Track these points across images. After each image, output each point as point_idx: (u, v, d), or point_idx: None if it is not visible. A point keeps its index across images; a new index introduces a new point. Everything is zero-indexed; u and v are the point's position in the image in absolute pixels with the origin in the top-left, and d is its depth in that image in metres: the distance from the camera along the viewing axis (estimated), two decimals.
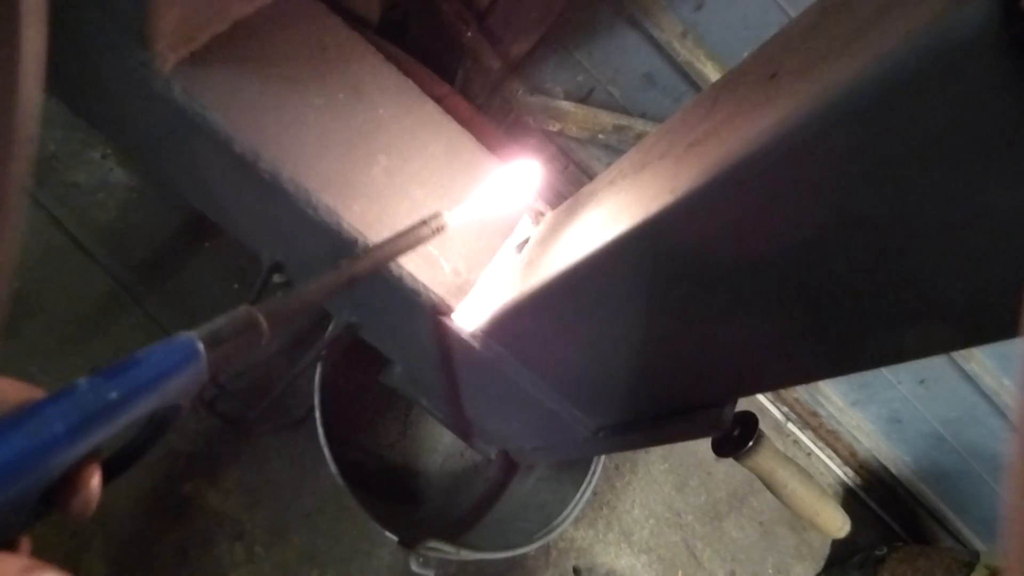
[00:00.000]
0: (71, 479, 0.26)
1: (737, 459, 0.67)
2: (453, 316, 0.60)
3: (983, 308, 0.33)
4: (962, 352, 1.21)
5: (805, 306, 0.38)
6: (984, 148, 0.26)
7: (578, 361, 0.57)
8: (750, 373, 0.46)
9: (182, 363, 0.28)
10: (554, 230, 0.60)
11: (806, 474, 0.69)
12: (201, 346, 0.28)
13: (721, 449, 0.68)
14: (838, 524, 0.70)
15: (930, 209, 0.29)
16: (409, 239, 0.47)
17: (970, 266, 0.31)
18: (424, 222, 0.48)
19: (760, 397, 1.64)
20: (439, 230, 0.49)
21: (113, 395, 0.25)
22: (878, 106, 0.26)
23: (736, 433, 0.67)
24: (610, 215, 0.45)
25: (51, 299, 0.98)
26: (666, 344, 0.47)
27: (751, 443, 0.65)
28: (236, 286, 1.15)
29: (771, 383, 0.46)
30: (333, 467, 0.80)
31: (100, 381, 0.25)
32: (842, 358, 0.40)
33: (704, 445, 1.54)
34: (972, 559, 1.28)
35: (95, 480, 0.26)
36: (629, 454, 1.45)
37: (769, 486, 0.69)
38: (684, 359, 0.48)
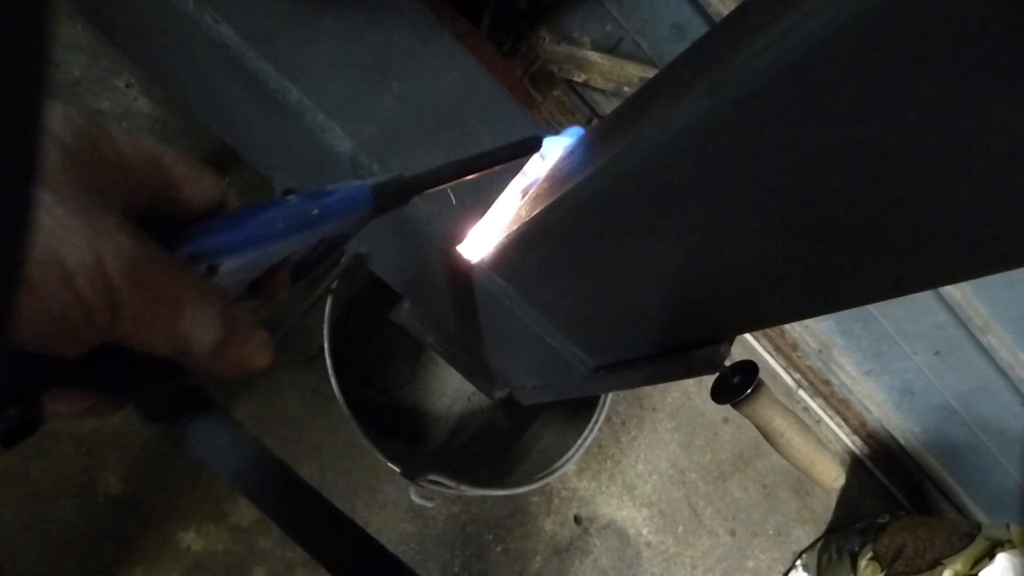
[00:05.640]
0: (273, 272, 0.32)
1: (735, 406, 0.67)
2: (459, 248, 0.61)
3: (983, 237, 0.32)
4: (979, 324, 1.19)
5: (799, 234, 0.37)
6: (992, 61, 0.25)
7: (578, 296, 0.58)
8: (746, 307, 0.46)
9: (361, 203, 0.34)
10: (563, 165, 0.60)
11: (804, 425, 0.69)
12: (373, 196, 0.34)
13: (720, 396, 0.68)
14: (833, 475, 0.70)
15: (930, 129, 0.28)
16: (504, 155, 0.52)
17: (970, 192, 0.30)
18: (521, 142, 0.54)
19: (773, 363, 1.63)
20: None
21: (315, 212, 0.31)
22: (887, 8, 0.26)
23: (736, 380, 0.67)
24: (616, 137, 0.45)
25: None
26: (663, 276, 0.47)
27: (749, 390, 0.65)
28: None
29: (766, 319, 0.46)
30: (339, 395, 0.82)
31: (306, 200, 0.31)
32: (836, 292, 0.40)
33: (711, 406, 1.55)
34: (973, 530, 1.28)
35: (287, 279, 0.35)
36: (636, 411, 1.46)
37: (766, 435, 0.69)
38: (680, 291, 0.48)
